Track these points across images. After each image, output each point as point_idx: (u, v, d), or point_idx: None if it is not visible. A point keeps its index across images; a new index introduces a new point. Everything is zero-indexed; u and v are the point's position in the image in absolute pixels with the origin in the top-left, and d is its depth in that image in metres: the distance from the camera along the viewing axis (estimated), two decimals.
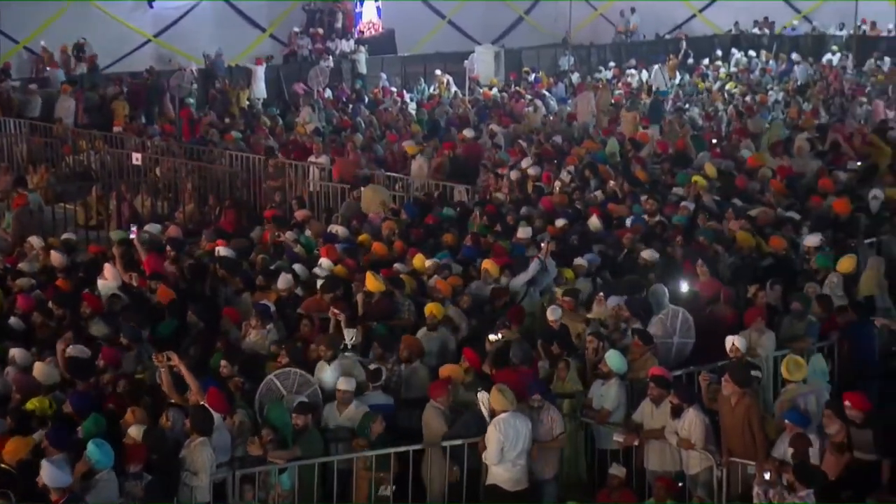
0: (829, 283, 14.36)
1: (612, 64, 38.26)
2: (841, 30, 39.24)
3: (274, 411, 11.36)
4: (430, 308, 13.39)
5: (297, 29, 38.18)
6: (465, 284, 14.83)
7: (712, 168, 19.77)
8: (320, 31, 38.41)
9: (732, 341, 12.22)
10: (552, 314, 13.25)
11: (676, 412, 11.41)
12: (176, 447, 10.60)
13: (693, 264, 14.65)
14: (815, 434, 10.87)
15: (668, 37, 42.46)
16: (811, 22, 41.48)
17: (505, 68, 36.80)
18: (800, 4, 42.02)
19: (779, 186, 18.65)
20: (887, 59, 36.11)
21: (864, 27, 37.96)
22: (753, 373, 11.86)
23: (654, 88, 32.78)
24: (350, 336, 12.83)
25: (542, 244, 15.23)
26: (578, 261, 15.22)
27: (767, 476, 10.31)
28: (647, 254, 15.17)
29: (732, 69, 36.95)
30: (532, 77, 35.92)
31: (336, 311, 13.26)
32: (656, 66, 35.04)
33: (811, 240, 15.34)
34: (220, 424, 10.92)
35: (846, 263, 14.62)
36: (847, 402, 10.89)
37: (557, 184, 19.51)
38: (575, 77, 35.86)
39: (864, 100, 29.60)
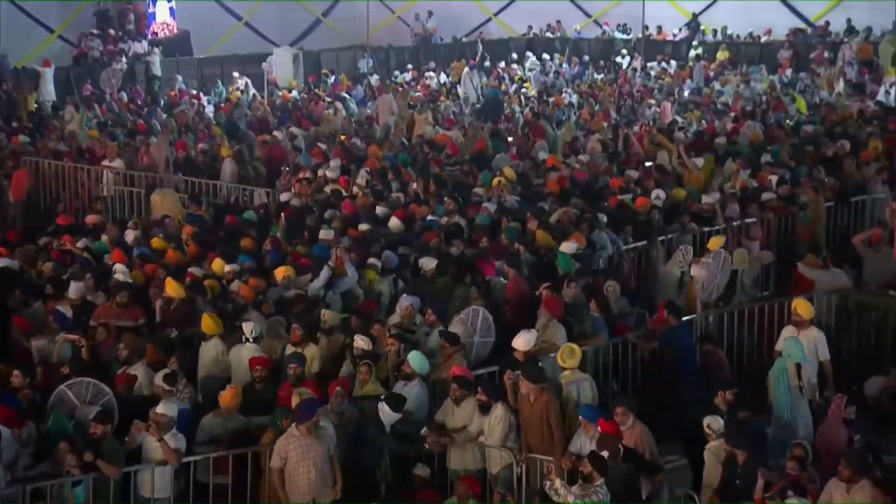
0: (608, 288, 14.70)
1: (410, 66, 38.51)
2: (628, 34, 40.53)
3: (55, 421, 11.08)
4: (205, 321, 13.10)
5: (92, 30, 37.05)
6: (268, 288, 14.69)
7: (511, 171, 20.11)
8: (112, 32, 37.36)
9: (516, 340, 12.39)
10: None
11: (485, 409, 11.54)
12: None
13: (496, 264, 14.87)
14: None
15: (465, 40, 43.01)
16: (601, 26, 42.66)
17: (304, 70, 36.61)
18: (589, 8, 43.17)
19: (554, 187, 19.07)
20: (673, 63, 37.47)
21: (650, 31, 39.30)
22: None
23: (462, 94, 33.14)
24: (249, 329, 12.87)
25: (335, 250, 15.14)
26: (372, 261, 15.27)
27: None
28: (425, 262, 15.15)
29: (527, 72, 37.70)
30: (331, 79, 35.86)
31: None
32: (465, 70, 35.41)
33: (566, 246, 15.28)
34: (8, 440, 10.49)
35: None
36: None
37: (356, 187, 19.51)
38: (374, 79, 35.95)
39: (653, 102, 30.61)
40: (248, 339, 12.92)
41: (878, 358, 14.67)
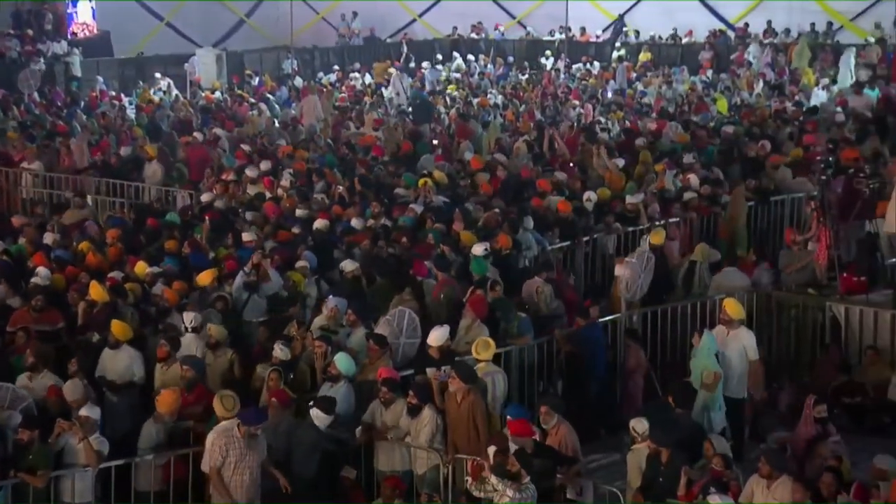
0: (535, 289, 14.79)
1: (335, 67, 38.41)
2: (552, 35, 40.79)
3: None
4: (114, 327, 12.89)
5: (9, 31, 36.36)
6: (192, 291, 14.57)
7: (441, 173, 20.13)
8: (30, 32, 36.74)
9: (430, 336, 12.49)
10: None
11: (414, 411, 11.54)
12: None
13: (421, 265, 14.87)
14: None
15: (389, 41, 42.98)
16: (525, 27, 42.87)
17: (227, 71, 36.35)
18: (513, 9, 43.37)
19: (487, 188, 19.13)
20: (597, 64, 37.76)
21: (573, 32, 39.60)
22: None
23: (393, 95, 33.09)
24: (189, 319, 13.06)
25: (254, 255, 15.00)
26: (301, 263, 15.19)
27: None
28: (346, 264, 15.13)
29: (453, 74, 37.77)
30: (255, 80, 35.63)
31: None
32: (394, 73, 35.37)
33: (476, 248, 15.30)
34: None
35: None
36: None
37: (280, 189, 19.41)
38: (298, 80, 35.79)
39: (577, 103, 30.83)
40: (188, 329, 13.03)
41: (798, 355, 14.95)
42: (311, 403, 11.50)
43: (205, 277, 14.67)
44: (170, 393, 11.79)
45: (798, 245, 16.02)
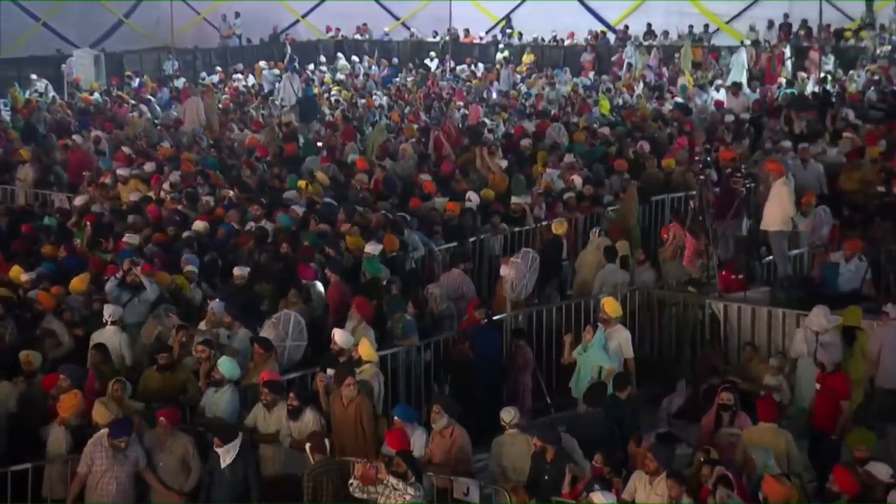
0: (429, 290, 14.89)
1: (218, 68, 37.99)
2: (435, 37, 40.91)
3: None
4: None
5: None
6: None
7: (323, 175, 20.04)
8: None
9: (333, 336, 12.50)
10: None
11: (294, 414, 11.46)
12: None
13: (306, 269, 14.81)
14: (420, 428, 11.37)
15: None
16: (409, 28, 42.91)
17: (106, 72, 35.70)
18: (397, 11, 43.38)
19: (378, 190, 19.11)
20: (481, 65, 37.97)
21: (458, 33, 39.78)
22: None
23: (280, 97, 32.83)
24: (109, 312, 13.24)
25: (125, 261, 14.70)
26: (189, 268, 15.00)
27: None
28: (238, 270, 14.97)
29: (338, 75, 37.64)
30: (135, 82, 35.06)
31: None
32: (285, 75, 35.07)
33: (370, 248, 15.38)
34: None
35: None
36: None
37: (163, 192, 19.13)
38: (180, 82, 35.29)
39: (461, 104, 30.96)
40: (107, 322, 13.14)
41: (678, 351, 15.22)
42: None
43: (78, 283, 14.42)
44: (70, 396, 11.54)
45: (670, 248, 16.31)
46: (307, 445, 10.79)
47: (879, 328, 13.24)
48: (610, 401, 11.91)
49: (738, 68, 33.21)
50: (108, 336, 13.08)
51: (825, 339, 12.86)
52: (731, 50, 34.95)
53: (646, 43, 37.70)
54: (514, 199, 18.43)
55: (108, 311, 13.31)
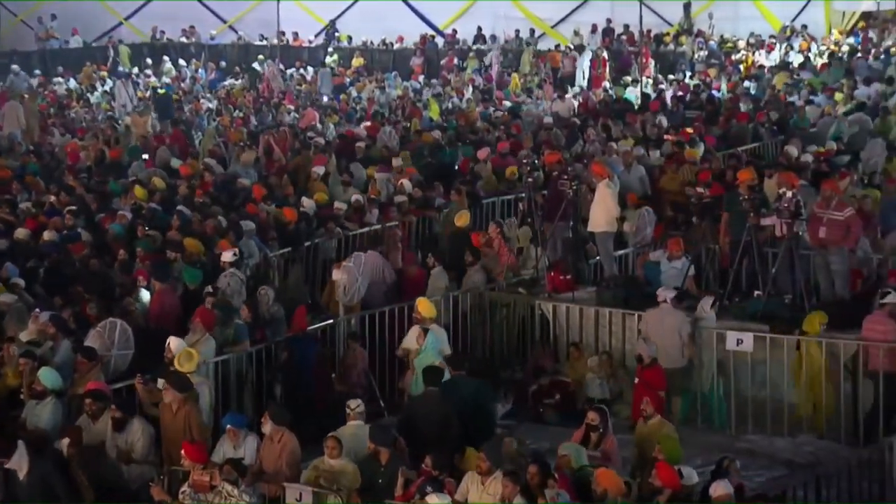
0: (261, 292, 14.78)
1: (37, 72, 36.85)
2: (262, 40, 40.54)
3: None
4: None
5: None
6: None
7: (160, 180, 19.67)
8: None
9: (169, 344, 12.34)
10: None
11: (119, 425, 11.22)
12: None
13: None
14: (252, 434, 11.25)
15: (95, 44, 41.58)
16: (237, 31, 42.39)
17: None
18: (224, 13, 42.81)
19: (200, 193, 18.87)
20: (311, 69, 37.80)
21: (287, 37, 39.49)
22: None
23: (121, 103, 32.00)
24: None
25: None
26: (15, 280, 14.62)
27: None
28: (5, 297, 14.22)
29: (164, 79, 36.92)
30: None
31: None
32: (119, 81, 34.17)
33: (226, 255, 15.29)
34: None
35: None
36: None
37: None
38: None
39: (292, 107, 30.78)
40: None
41: (508, 349, 15.44)
42: None
43: None
44: None
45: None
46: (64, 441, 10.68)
47: (648, 313, 13.80)
48: (448, 382, 12.09)
49: (580, 72, 33.91)
50: None
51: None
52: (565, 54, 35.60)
53: (475, 47, 38.10)
54: (336, 204, 18.48)
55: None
